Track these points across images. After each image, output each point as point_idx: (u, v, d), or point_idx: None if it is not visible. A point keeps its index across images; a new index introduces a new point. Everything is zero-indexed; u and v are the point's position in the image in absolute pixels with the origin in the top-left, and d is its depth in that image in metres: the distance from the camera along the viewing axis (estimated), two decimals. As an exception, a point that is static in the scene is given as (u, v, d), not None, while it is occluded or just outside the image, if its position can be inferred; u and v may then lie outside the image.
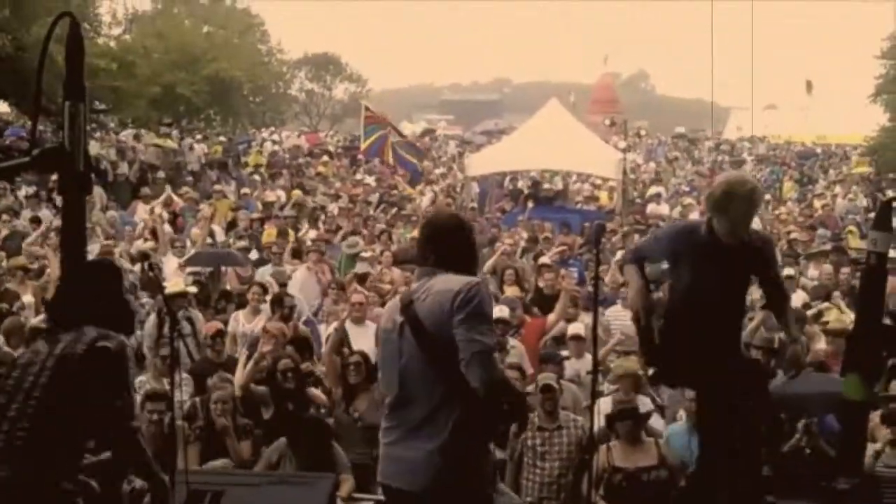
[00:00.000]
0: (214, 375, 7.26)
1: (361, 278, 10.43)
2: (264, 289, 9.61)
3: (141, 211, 15.94)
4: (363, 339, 8.23)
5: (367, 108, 22.52)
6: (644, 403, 6.65)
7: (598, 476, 5.68)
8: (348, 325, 8.50)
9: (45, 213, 14.27)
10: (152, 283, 8.24)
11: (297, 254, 12.28)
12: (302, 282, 10.89)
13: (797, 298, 10.75)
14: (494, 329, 3.90)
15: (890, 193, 23.24)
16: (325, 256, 11.99)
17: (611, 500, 5.66)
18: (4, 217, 13.47)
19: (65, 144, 2.22)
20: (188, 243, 12.68)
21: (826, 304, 10.18)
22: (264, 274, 11.07)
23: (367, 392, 7.09)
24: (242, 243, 12.93)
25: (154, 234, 12.67)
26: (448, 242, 3.77)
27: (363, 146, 22.20)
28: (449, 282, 3.64)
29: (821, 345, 8.31)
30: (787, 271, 11.64)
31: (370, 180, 21.82)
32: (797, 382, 6.57)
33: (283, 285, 10.23)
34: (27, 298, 9.47)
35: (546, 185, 21.97)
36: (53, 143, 2.32)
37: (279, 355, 7.35)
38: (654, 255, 5.06)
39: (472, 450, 3.67)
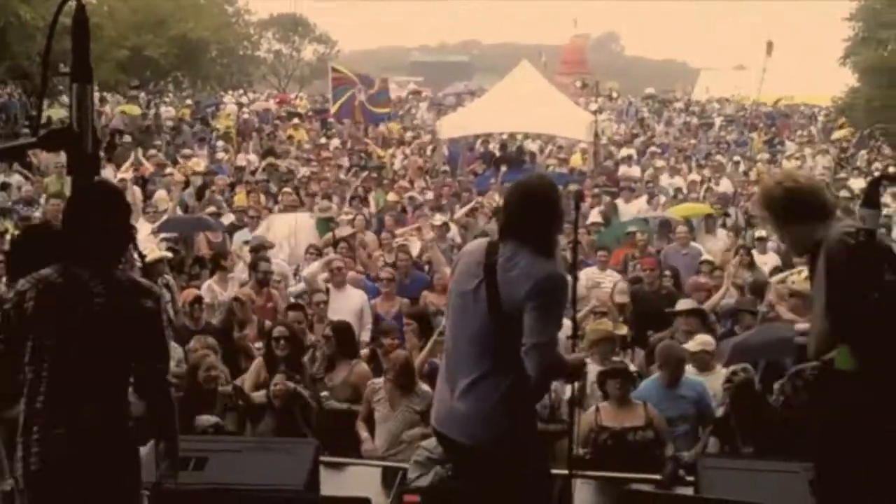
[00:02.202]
0: (192, 341, 7.17)
1: (337, 242, 10.38)
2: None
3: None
4: (344, 303, 8.22)
5: (334, 70, 22.21)
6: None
7: (586, 436, 5.73)
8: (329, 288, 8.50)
9: (17, 178, 14.05)
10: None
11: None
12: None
13: (769, 260, 10.89)
14: (562, 319, 3.98)
15: (863, 154, 23.58)
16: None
17: (597, 458, 5.69)
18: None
19: (72, 125, 2.19)
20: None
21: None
22: (240, 238, 11.07)
23: (346, 364, 6.99)
24: (212, 208, 12.80)
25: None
26: (536, 212, 3.79)
27: (333, 109, 21.99)
28: (535, 266, 3.68)
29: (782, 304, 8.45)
30: (759, 233, 11.80)
31: (337, 143, 21.60)
32: (756, 333, 7.15)
33: (258, 249, 10.04)
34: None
35: (516, 144, 21.90)
36: (61, 122, 2.31)
37: (274, 322, 7.28)
38: None
39: (523, 411, 3.86)
